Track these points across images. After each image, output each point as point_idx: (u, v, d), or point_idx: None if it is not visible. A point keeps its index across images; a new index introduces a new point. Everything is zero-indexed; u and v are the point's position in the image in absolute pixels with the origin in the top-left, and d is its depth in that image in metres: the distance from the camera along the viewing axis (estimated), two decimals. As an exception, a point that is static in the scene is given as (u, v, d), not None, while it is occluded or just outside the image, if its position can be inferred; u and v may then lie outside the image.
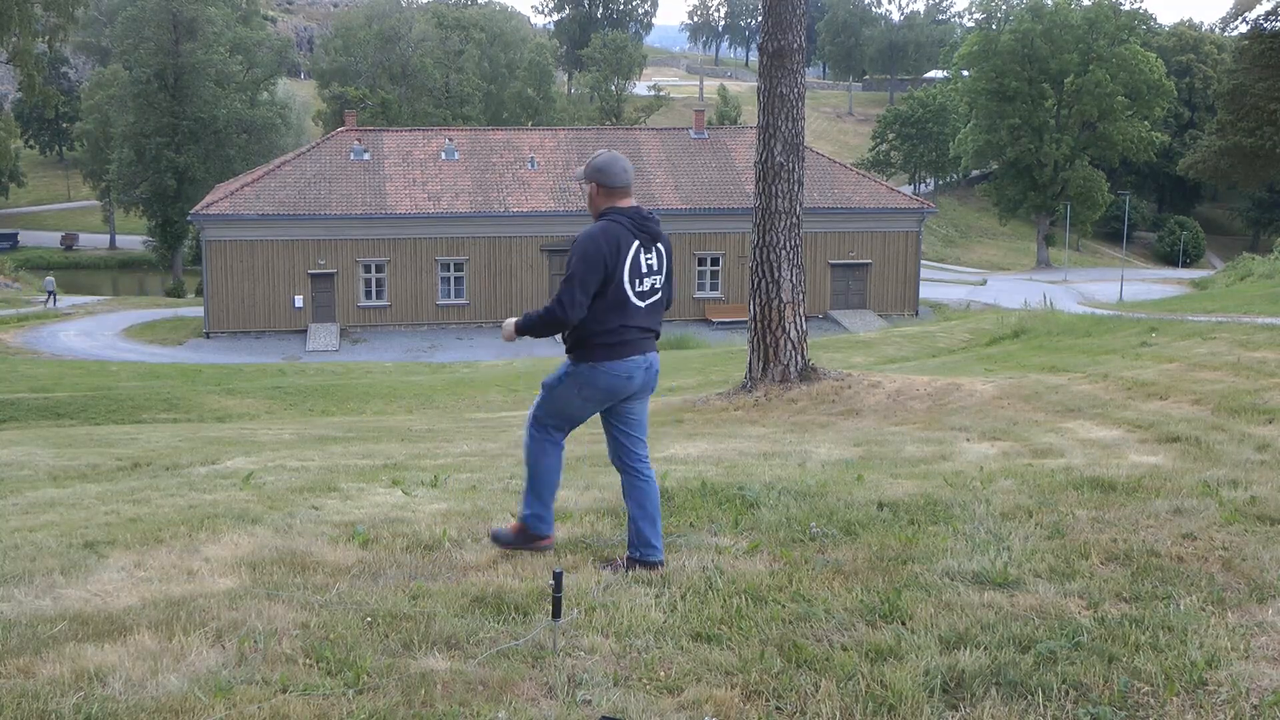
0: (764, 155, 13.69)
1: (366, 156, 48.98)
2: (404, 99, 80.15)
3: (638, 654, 4.13)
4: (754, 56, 75.29)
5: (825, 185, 49.44)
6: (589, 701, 3.70)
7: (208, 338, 45.61)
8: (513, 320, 4.98)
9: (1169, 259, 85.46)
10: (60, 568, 5.31)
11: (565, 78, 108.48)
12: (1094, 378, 13.72)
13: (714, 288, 50.08)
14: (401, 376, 29.80)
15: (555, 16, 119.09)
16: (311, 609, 4.59)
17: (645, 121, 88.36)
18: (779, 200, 13.59)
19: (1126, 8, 75.29)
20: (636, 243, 4.86)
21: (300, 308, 46.83)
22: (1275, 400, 10.04)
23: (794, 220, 13.72)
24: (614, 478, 7.99)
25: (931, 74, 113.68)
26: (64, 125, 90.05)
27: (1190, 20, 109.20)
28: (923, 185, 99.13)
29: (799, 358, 13.87)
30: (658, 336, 5.10)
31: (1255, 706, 3.58)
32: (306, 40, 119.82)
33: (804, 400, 13.29)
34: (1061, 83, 73.68)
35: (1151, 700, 3.65)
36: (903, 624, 4.40)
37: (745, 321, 14.76)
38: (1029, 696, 3.69)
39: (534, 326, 4.88)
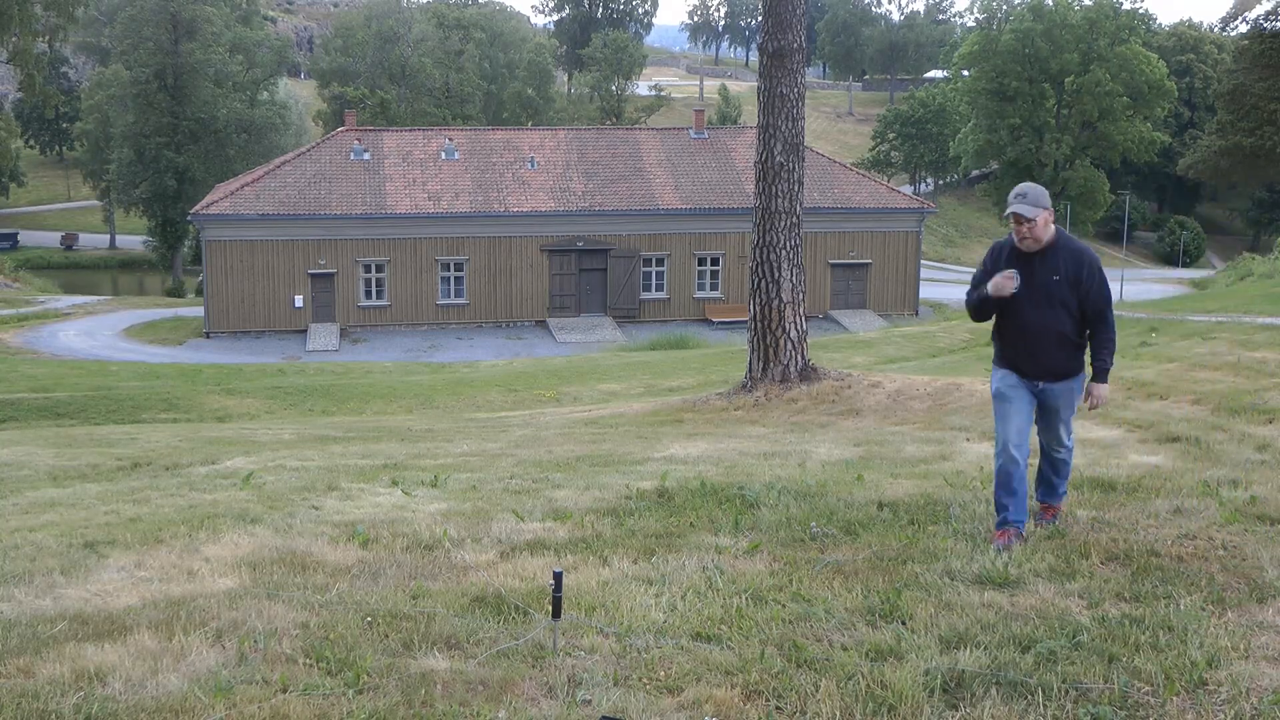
0: (764, 155, 13.68)
1: (366, 156, 48.98)
2: (404, 99, 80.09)
3: (638, 654, 4.12)
4: (754, 56, 75.35)
5: (825, 185, 49.42)
6: (589, 701, 3.70)
7: (208, 338, 45.59)
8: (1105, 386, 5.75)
9: (1169, 259, 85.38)
10: (60, 568, 5.32)
11: (565, 78, 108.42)
12: (1094, 378, 13.70)
13: (714, 288, 50.07)
14: (401, 376, 29.79)
15: (555, 16, 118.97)
16: (311, 609, 4.59)
17: (645, 121, 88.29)
18: (779, 200, 13.58)
19: (1126, 8, 75.23)
20: None
21: (300, 308, 46.81)
22: (1275, 400, 10.04)
23: (794, 220, 13.71)
24: (614, 478, 8.00)
25: (931, 74, 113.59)
26: (64, 125, 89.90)
27: (1190, 20, 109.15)
28: (923, 185, 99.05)
29: (799, 358, 13.86)
30: None
31: (1255, 706, 3.58)
32: (306, 40, 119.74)
33: (804, 400, 13.28)
34: (1062, 83, 73.63)
35: (1151, 700, 3.65)
36: (903, 624, 4.40)
37: (745, 321, 14.76)
38: (1029, 696, 3.69)
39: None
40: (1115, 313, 5.73)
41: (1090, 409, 5.59)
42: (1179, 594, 4.65)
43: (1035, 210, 5.27)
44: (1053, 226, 5.35)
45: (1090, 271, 5.39)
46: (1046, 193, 5.34)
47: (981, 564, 5.13)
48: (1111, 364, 5.56)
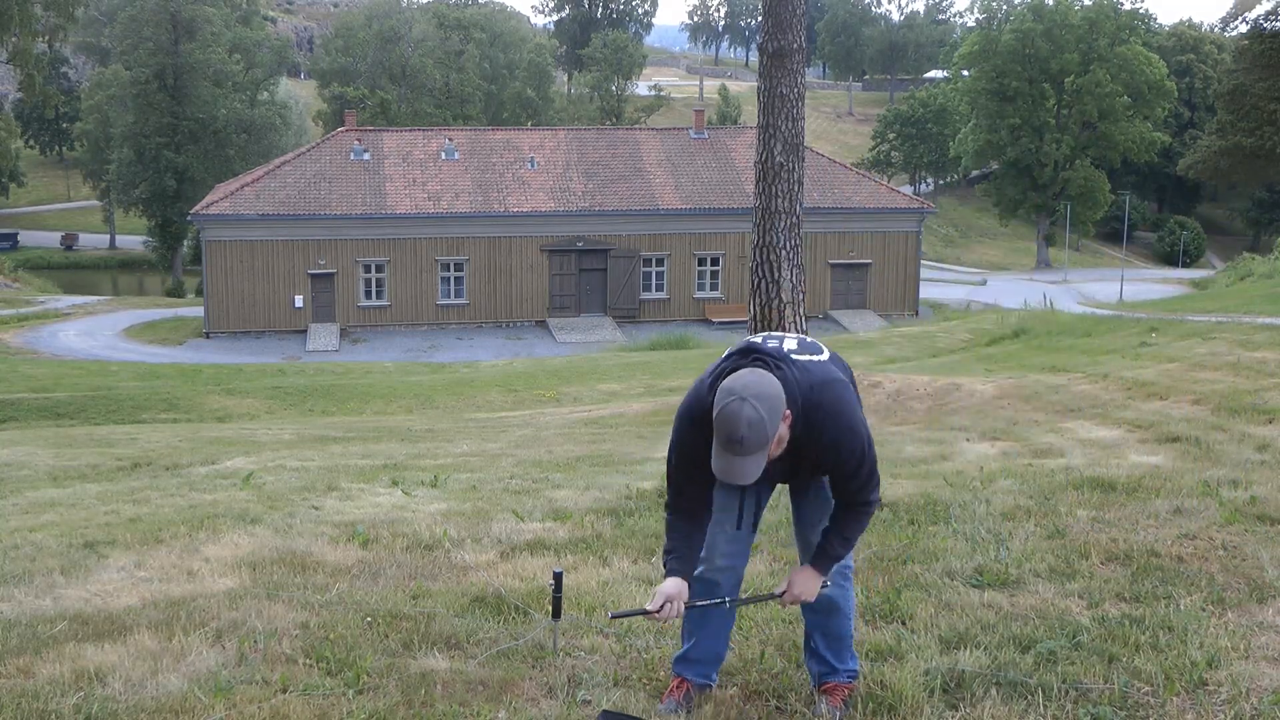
0: (764, 155, 13.66)
1: (366, 156, 48.98)
2: (404, 99, 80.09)
3: (638, 654, 4.13)
4: (754, 56, 75.34)
5: (825, 185, 49.42)
6: (589, 701, 3.70)
7: (207, 338, 45.59)
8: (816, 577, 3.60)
9: (1169, 259, 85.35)
10: (60, 568, 5.31)
11: (565, 78, 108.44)
12: (1094, 378, 13.72)
13: (714, 288, 50.08)
14: (401, 377, 29.79)
15: (555, 16, 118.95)
16: (311, 609, 4.59)
17: (645, 121, 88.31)
18: (779, 200, 13.56)
19: (1127, 7, 75.24)
20: None
21: (300, 308, 46.81)
22: (1275, 400, 10.04)
23: (794, 220, 13.70)
24: (614, 478, 7.99)
25: (931, 74, 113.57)
26: (64, 125, 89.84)
27: (1190, 20, 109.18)
28: (923, 185, 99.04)
29: (799, 358, 13.83)
30: None
31: (1255, 706, 3.58)
32: (306, 40, 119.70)
33: (804, 400, 13.25)
34: (1062, 83, 73.62)
35: (1151, 700, 3.65)
36: (903, 624, 4.40)
37: (745, 321, 14.75)
38: (1029, 696, 3.69)
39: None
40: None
41: (784, 604, 3.70)
42: (1179, 594, 4.65)
43: (760, 458, 3.22)
44: (787, 425, 3.29)
45: (836, 438, 3.38)
46: (773, 404, 3.19)
47: (981, 564, 5.13)
48: (841, 552, 3.58)
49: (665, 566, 3.55)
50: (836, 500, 3.57)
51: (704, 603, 3.64)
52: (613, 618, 3.71)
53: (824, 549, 3.56)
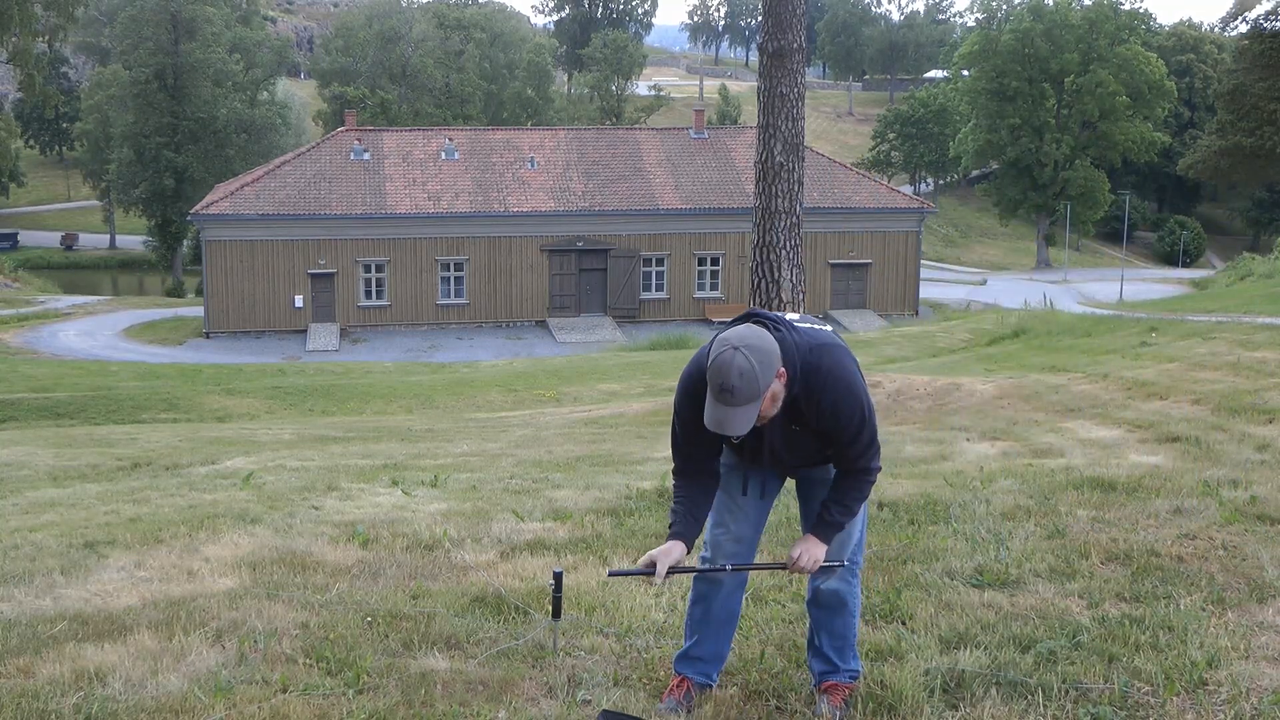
0: (764, 155, 13.66)
1: (366, 156, 48.98)
2: (404, 99, 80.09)
3: (638, 654, 4.13)
4: (754, 56, 75.31)
5: (825, 185, 49.41)
6: (589, 701, 3.70)
7: (207, 338, 45.58)
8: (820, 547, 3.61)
9: (1169, 259, 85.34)
10: (60, 568, 5.31)
11: (565, 78, 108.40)
12: (1094, 378, 13.72)
13: (714, 288, 50.07)
14: (401, 376, 29.78)
15: (555, 16, 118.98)
16: (311, 609, 4.59)
17: (645, 121, 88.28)
18: (779, 200, 13.56)
19: (1126, 7, 75.24)
20: None
21: (300, 308, 46.81)
22: (1275, 400, 10.04)
23: (794, 220, 13.69)
24: (614, 478, 7.99)
25: (931, 74, 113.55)
26: (64, 125, 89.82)
27: (1190, 20, 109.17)
28: (923, 185, 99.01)
29: (799, 358, 13.82)
30: None
31: (1255, 706, 3.58)
32: (306, 40, 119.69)
33: (804, 400, 13.24)
34: (1062, 82, 73.64)
35: (1151, 700, 3.65)
36: (903, 624, 4.40)
37: (745, 321, 14.72)
38: (1029, 696, 3.69)
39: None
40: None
41: (790, 572, 3.71)
42: (1179, 594, 4.65)
43: (751, 410, 3.22)
44: (782, 383, 3.30)
45: (835, 401, 3.38)
46: (766, 358, 3.21)
47: (981, 564, 5.13)
48: (841, 519, 3.59)
49: (670, 529, 3.59)
50: (837, 468, 3.57)
51: (704, 568, 3.70)
52: (611, 575, 3.78)
53: (824, 516, 3.58)
